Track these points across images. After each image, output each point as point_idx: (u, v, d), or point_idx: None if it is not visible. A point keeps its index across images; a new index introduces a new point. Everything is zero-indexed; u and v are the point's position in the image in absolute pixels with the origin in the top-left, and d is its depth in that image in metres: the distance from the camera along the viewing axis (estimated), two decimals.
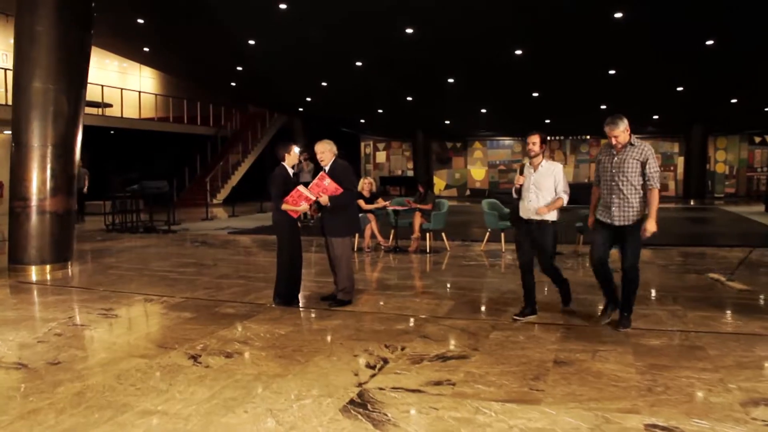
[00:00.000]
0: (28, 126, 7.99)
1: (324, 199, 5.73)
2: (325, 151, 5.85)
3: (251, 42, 15.02)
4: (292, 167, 5.98)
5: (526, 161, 5.34)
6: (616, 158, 4.84)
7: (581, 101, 19.83)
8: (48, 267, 8.05)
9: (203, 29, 14.33)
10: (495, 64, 15.72)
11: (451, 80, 17.59)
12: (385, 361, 4.20)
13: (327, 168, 5.87)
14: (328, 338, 4.82)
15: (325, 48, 15.14)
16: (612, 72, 16.22)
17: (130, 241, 11.57)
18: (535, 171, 5.21)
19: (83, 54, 8.52)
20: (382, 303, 6.13)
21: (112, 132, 21.39)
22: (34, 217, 8.04)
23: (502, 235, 9.89)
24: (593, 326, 5.08)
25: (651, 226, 4.69)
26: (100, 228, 13.72)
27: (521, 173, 5.31)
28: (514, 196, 5.39)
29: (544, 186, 5.15)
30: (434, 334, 4.90)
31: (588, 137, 27.08)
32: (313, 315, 5.67)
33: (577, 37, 13.26)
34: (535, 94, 19.14)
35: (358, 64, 16.54)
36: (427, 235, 9.89)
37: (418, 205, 9.89)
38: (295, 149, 5.98)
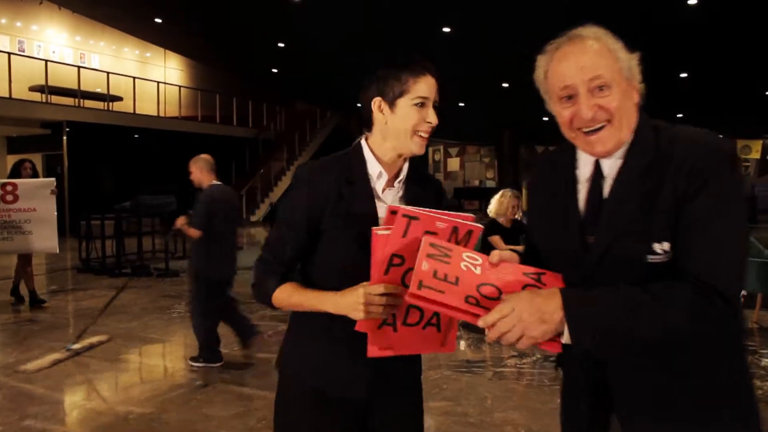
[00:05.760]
0: None
1: None
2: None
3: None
4: None
5: None
6: None
7: (744, 86, 14.62)
8: None
9: None
10: (650, 23, 10.70)
11: None
12: None
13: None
14: None
15: (400, 8, 10.51)
16: None
17: (96, 296, 6.93)
18: None
19: None
20: None
21: (136, 136, 17.18)
22: None
23: None
24: None
25: None
26: (74, 265, 9.27)
27: None
28: None
29: None
30: None
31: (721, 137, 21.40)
32: None
33: None
34: (683, 75, 13.95)
35: (446, 30, 11.77)
36: None
37: None
38: None
